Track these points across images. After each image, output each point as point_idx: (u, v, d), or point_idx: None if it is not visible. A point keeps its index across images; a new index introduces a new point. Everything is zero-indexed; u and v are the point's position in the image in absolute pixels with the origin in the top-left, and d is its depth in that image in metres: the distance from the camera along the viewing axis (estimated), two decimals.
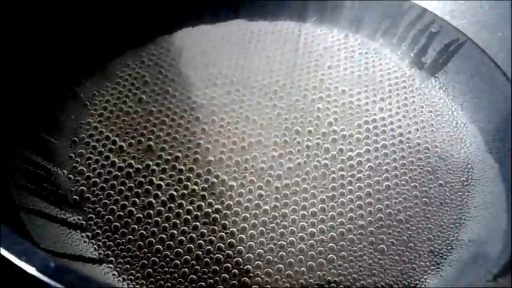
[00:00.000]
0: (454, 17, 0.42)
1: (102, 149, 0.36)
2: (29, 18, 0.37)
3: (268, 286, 0.30)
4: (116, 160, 0.35)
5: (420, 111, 0.40)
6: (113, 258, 0.30)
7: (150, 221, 0.32)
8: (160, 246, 0.31)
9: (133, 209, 0.33)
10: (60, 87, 0.38)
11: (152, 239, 0.31)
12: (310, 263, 0.31)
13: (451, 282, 0.30)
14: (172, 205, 0.33)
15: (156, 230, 0.32)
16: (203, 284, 0.29)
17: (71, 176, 0.34)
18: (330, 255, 0.31)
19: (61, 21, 0.40)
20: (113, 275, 0.30)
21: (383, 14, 0.45)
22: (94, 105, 0.39)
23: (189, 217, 0.32)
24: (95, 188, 0.34)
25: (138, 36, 0.44)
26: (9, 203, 0.30)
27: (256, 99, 0.40)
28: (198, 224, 0.32)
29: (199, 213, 0.33)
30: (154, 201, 0.33)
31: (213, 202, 0.33)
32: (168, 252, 0.31)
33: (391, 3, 0.45)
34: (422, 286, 0.30)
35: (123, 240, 0.31)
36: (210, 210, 0.33)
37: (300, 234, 0.32)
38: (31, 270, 0.17)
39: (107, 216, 0.32)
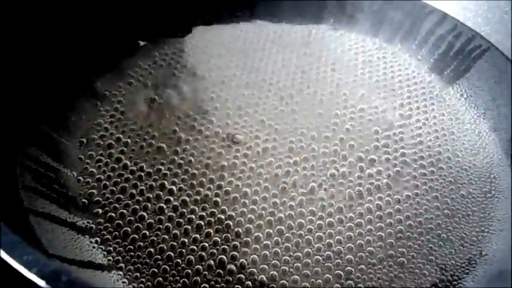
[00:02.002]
0: (476, 23, 0.41)
1: (113, 151, 0.35)
2: (43, 19, 0.37)
3: None
4: (127, 162, 0.34)
5: (441, 118, 0.39)
6: (122, 265, 0.29)
7: (161, 226, 0.31)
8: (171, 254, 0.30)
9: (144, 214, 0.32)
10: (71, 87, 0.37)
11: (163, 246, 0.30)
12: (327, 275, 0.29)
13: None
14: (184, 211, 0.32)
15: (167, 236, 0.31)
16: None
17: (81, 177, 0.33)
18: (348, 268, 0.30)
19: (74, 21, 0.39)
20: (123, 282, 0.29)
21: (403, 18, 0.44)
22: (105, 106, 0.38)
23: (201, 223, 0.31)
24: (104, 191, 0.33)
25: (150, 36, 0.43)
26: (19, 206, 0.29)
27: (271, 103, 0.39)
28: (210, 231, 0.31)
29: (212, 220, 0.31)
30: (165, 207, 0.32)
31: (227, 209, 0.32)
32: (179, 260, 0.30)
33: (411, 7, 0.44)
34: None
35: (133, 247, 0.30)
36: (223, 217, 0.32)
37: (316, 245, 0.30)
38: (41, 282, 0.16)
39: (116, 221, 0.31)
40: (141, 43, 0.39)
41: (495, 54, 0.39)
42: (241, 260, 0.30)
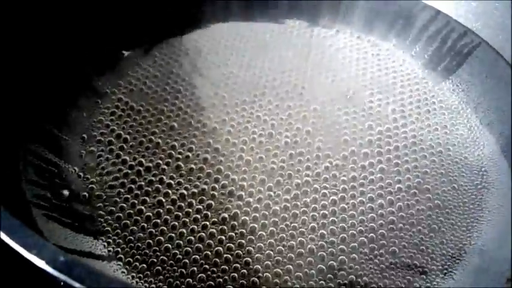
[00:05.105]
0: (468, 19, 0.42)
1: (113, 147, 0.36)
2: (44, 18, 0.38)
3: (277, 287, 0.29)
4: (127, 158, 0.35)
5: (433, 113, 0.39)
6: (122, 256, 0.30)
7: (159, 219, 0.32)
8: (169, 245, 0.31)
9: (143, 208, 0.33)
10: (72, 84, 0.38)
11: (161, 238, 0.31)
12: (320, 265, 0.30)
13: (464, 287, 0.30)
14: (182, 204, 0.33)
15: (165, 228, 0.32)
16: (212, 283, 0.29)
17: (82, 173, 0.34)
18: (341, 257, 0.31)
19: (74, 20, 0.40)
20: (122, 272, 0.30)
21: (396, 15, 0.45)
22: (106, 103, 0.39)
23: (198, 216, 0.32)
24: (105, 186, 0.34)
25: (150, 36, 0.44)
26: (21, 199, 0.30)
27: (268, 99, 0.40)
28: (207, 223, 0.32)
29: (208, 213, 0.32)
30: (164, 200, 0.33)
31: (223, 202, 0.33)
32: (177, 251, 0.31)
33: (404, 5, 0.44)
34: None
35: (132, 238, 0.31)
36: (219, 209, 0.33)
37: (310, 235, 0.31)
38: (40, 263, 0.17)
39: (116, 214, 0.32)
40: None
41: (486, 49, 0.40)
42: (236, 251, 0.31)
